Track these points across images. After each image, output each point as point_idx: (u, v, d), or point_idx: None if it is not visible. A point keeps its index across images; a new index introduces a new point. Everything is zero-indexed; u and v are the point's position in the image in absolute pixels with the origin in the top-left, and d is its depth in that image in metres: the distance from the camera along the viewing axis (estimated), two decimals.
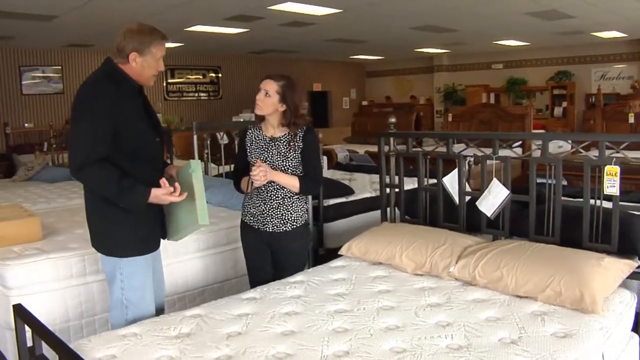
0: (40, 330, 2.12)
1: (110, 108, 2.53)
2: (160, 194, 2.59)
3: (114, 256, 2.72)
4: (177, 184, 2.64)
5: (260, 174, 2.94)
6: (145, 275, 2.78)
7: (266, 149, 3.14)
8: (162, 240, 2.97)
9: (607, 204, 3.07)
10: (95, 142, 2.51)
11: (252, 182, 3.02)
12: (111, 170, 2.53)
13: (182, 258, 3.88)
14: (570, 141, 3.57)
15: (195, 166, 2.73)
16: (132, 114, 2.63)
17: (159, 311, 2.98)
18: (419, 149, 4.03)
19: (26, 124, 10.84)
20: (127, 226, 2.66)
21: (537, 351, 2.16)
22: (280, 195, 3.14)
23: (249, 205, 3.23)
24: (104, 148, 2.53)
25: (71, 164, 2.58)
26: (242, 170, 3.25)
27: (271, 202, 3.14)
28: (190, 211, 2.70)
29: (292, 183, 3.11)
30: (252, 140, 3.20)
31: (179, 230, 2.88)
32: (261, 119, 3.20)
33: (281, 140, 3.14)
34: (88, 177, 2.56)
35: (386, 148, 4.09)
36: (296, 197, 3.19)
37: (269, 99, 3.06)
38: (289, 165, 3.11)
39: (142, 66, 2.63)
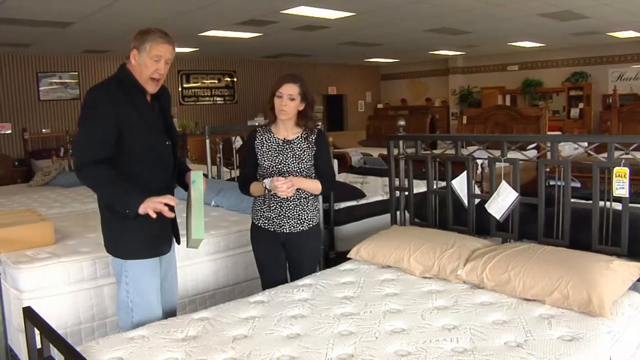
0: (48, 333, 2.14)
1: (114, 111, 2.58)
2: (156, 200, 2.58)
3: (119, 258, 2.76)
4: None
5: (289, 190, 2.97)
6: (151, 278, 2.80)
7: (280, 152, 3.14)
8: (177, 245, 3.01)
9: (618, 206, 3.04)
10: (94, 144, 2.57)
11: (267, 189, 3.04)
12: (107, 172, 2.57)
13: (193, 261, 3.90)
14: (579, 143, 3.54)
15: (196, 177, 2.76)
16: (138, 117, 2.66)
17: (172, 315, 2.99)
18: (428, 152, 4.01)
19: (44, 130, 10.97)
20: (131, 228, 2.69)
21: (543, 354, 2.14)
22: (297, 196, 3.15)
23: (263, 209, 3.21)
24: (104, 150, 2.57)
25: (74, 165, 2.66)
26: (250, 174, 3.24)
27: (288, 204, 3.15)
28: (193, 223, 2.76)
29: (316, 187, 3.16)
30: (263, 143, 3.18)
31: (188, 239, 2.92)
32: (272, 121, 3.21)
33: (294, 142, 3.15)
34: (86, 177, 2.61)
35: (396, 151, 4.09)
36: (311, 197, 3.22)
37: (293, 103, 3.07)
38: (302, 167, 3.12)
39: (139, 64, 2.66)
